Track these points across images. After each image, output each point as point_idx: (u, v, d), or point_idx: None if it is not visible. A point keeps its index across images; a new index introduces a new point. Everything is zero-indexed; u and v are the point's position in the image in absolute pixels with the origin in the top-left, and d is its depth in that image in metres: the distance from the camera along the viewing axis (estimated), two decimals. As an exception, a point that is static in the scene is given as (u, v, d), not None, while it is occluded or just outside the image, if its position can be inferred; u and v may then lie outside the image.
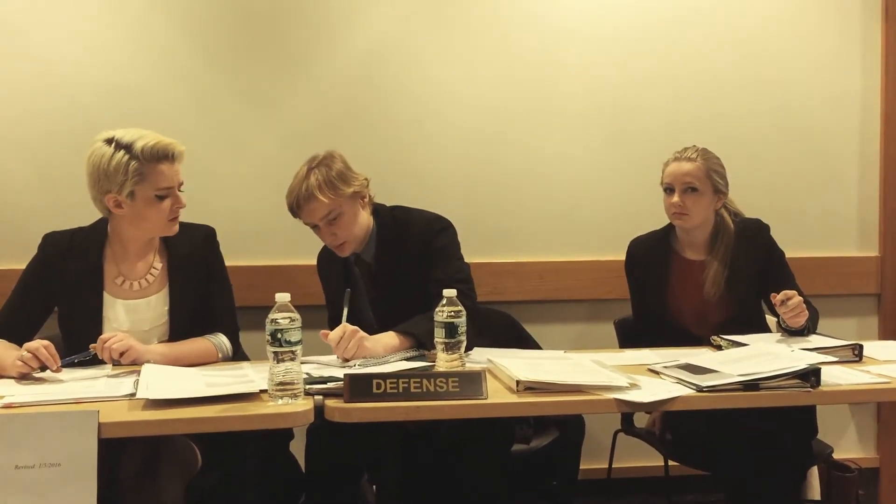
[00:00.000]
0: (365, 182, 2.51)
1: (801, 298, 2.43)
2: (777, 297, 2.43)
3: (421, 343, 2.29)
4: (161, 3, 3.08)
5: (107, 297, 2.32)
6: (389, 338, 2.29)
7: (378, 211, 2.57)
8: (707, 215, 2.69)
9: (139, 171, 2.21)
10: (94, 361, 2.18)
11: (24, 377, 2.08)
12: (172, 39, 3.09)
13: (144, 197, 2.23)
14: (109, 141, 2.23)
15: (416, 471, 2.40)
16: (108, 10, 3.06)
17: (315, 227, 2.49)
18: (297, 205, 2.44)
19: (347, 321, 2.28)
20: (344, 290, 2.43)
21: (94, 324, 2.27)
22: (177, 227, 2.34)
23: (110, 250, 2.36)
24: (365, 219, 2.52)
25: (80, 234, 2.37)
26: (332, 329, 2.27)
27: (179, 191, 2.30)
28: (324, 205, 2.41)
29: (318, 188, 2.40)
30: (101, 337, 2.16)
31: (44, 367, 2.07)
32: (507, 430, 2.37)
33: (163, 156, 2.23)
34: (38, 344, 2.08)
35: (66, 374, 2.11)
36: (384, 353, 2.24)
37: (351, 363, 2.17)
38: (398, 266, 2.51)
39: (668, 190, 2.69)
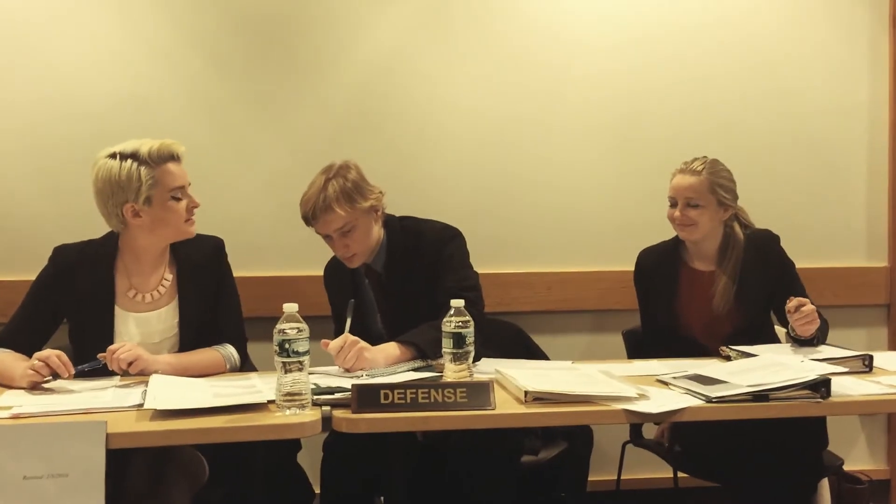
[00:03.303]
0: (380, 195, 2.50)
1: (813, 307, 2.42)
2: (790, 304, 2.41)
3: (423, 353, 2.29)
4: (172, 15, 3.10)
5: (118, 310, 2.33)
6: (391, 348, 2.29)
7: (388, 221, 2.58)
8: (712, 228, 2.66)
9: (151, 174, 2.23)
10: (104, 371, 2.19)
11: (34, 387, 2.08)
12: (183, 50, 3.11)
13: (160, 200, 2.26)
14: (113, 155, 2.26)
15: (424, 482, 2.39)
16: (119, 21, 3.08)
17: (327, 238, 2.49)
18: (314, 215, 2.42)
19: (353, 331, 2.28)
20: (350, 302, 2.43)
21: (104, 337, 2.28)
22: (194, 230, 2.35)
23: (121, 263, 2.36)
24: (377, 231, 2.52)
25: (91, 247, 2.38)
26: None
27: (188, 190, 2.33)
28: (340, 217, 2.41)
29: (336, 200, 2.40)
30: (109, 347, 2.16)
31: (55, 376, 2.08)
32: (516, 441, 2.36)
33: (168, 156, 2.27)
34: (50, 352, 2.09)
35: (75, 384, 2.11)
36: (385, 364, 2.23)
37: (358, 373, 2.17)
38: (408, 275, 2.52)
39: (672, 202, 2.68)
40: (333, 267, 2.66)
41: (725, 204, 2.65)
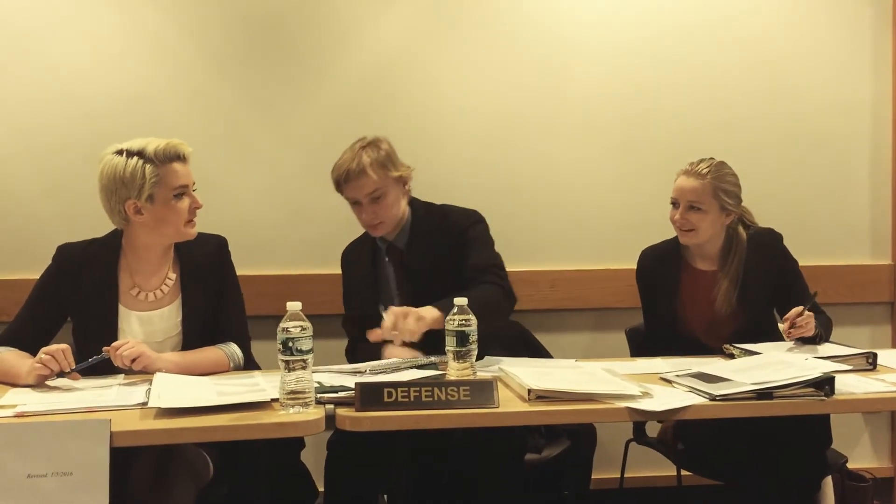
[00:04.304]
0: (409, 170, 2.58)
1: (809, 314, 2.41)
2: (786, 325, 2.41)
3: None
4: (175, 16, 3.10)
5: (121, 308, 2.33)
6: (431, 311, 2.23)
7: (413, 202, 2.64)
8: (713, 232, 2.64)
9: (155, 172, 2.24)
10: (109, 369, 2.19)
11: (40, 382, 2.09)
12: (186, 51, 3.11)
13: (163, 198, 2.26)
14: (119, 152, 2.27)
15: (429, 481, 2.40)
16: (122, 22, 3.08)
17: (356, 205, 2.54)
18: (346, 178, 2.49)
19: (370, 313, 2.35)
20: (371, 283, 2.54)
21: (108, 335, 2.27)
22: (195, 232, 2.35)
23: (125, 261, 2.37)
24: (404, 205, 2.59)
25: (95, 246, 2.38)
26: (350, 327, 2.46)
27: (193, 191, 2.33)
28: (372, 181, 2.48)
29: (370, 165, 2.48)
30: (113, 343, 2.17)
31: (61, 374, 2.09)
32: (521, 439, 2.36)
33: (174, 155, 2.28)
34: (57, 347, 2.10)
35: (79, 382, 2.12)
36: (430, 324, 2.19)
37: (363, 370, 2.17)
38: (430, 253, 2.56)
39: (674, 203, 2.66)
40: (354, 248, 2.72)
41: (728, 209, 2.62)
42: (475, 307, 2.08)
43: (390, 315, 2.20)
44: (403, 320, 2.17)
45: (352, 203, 2.56)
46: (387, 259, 2.63)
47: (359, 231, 2.84)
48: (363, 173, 2.48)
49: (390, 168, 2.52)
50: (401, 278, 2.60)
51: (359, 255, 2.69)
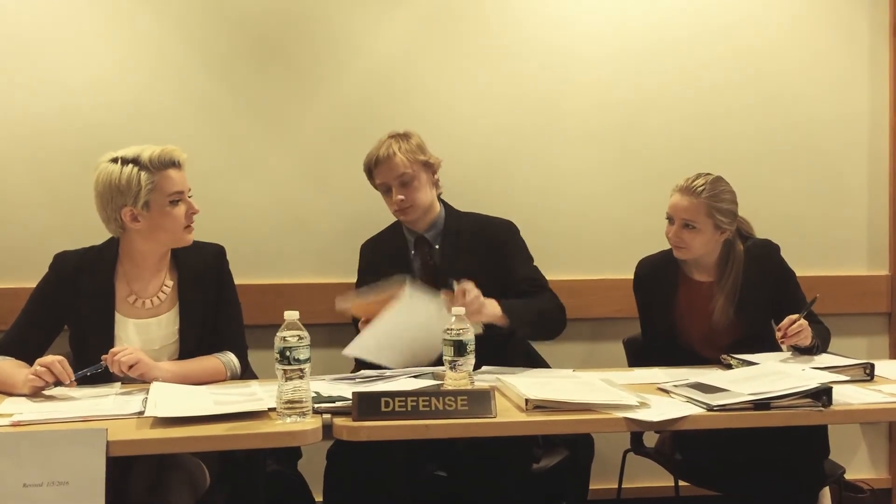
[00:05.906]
0: (438, 160, 2.68)
1: (803, 322, 2.42)
2: (779, 334, 2.41)
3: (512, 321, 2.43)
4: (177, 27, 3.10)
5: (118, 316, 2.33)
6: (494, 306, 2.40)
7: (444, 203, 2.74)
8: (707, 249, 2.63)
9: (151, 179, 2.25)
10: (106, 376, 2.19)
11: (35, 392, 2.08)
12: (187, 62, 3.11)
13: (159, 205, 2.27)
14: (115, 160, 2.27)
15: (429, 491, 2.39)
16: (124, 32, 3.08)
17: (387, 191, 2.63)
18: (376, 162, 2.62)
19: None
20: (393, 275, 2.52)
21: (105, 343, 2.27)
22: (192, 237, 2.36)
23: (122, 269, 2.37)
24: (433, 195, 2.69)
25: (92, 253, 2.38)
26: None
27: (189, 197, 2.34)
28: (402, 164, 2.59)
29: (399, 150, 2.61)
30: (111, 350, 2.17)
31: (57, 383, 2.08)
32: (524, 449, 2.36)
33: (169, 162, 2.28)
34: (53, 359, 2.09)
35: (75, 391, 2.11)
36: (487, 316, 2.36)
37: (363, 379, 2.17)
38: (463, 253, 2.63)
39: (669, 219, 2.66)
40: (375, 240, 2.78)
41: (722, 227, 2.60)
42: (545, 311, 2.50)
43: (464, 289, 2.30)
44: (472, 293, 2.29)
45: (383, 191, 2.65)
46: (413, 252, 2.67)
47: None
48: (394, 155, 2.59)
49: (418, 153, 2.63)
50: (427, 272, 2.63)
51: (381, 248, 2.74)
